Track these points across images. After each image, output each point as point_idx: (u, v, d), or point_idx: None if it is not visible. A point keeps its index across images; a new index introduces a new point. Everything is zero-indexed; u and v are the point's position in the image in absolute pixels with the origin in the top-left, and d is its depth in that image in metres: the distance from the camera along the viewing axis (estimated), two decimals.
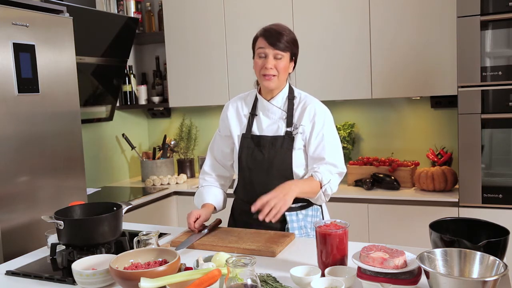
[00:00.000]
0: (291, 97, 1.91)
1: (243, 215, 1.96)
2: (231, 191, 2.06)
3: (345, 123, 3.34)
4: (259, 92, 1.94)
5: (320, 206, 1.96)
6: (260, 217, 1.59)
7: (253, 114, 1.94)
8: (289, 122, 1.87)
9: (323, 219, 1.93)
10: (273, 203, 1.58)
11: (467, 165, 2.58)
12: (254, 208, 1.60)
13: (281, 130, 1.88)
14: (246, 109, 1.97)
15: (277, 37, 1.79)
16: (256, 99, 1.95)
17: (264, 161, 1.87)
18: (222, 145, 2.02)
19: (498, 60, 2.48)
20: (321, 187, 1.78)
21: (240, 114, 1.97)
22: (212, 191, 1.99)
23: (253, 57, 1.87)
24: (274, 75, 1.81)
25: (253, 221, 1.87)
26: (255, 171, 1.89)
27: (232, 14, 3.32)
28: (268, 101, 1.91)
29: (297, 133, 1.85)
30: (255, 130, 1.92)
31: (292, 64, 1.89)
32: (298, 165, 1.86)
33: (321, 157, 1.83)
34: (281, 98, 1.90)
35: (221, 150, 2.03)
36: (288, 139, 1.85)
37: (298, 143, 1.85)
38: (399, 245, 1.54)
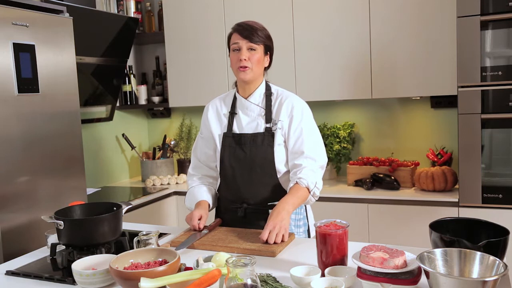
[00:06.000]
0: (268, 93, 1.94)
1: (227, 213, 1.98)
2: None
3: (345, 123, 3.34)
4: (237, 91, 1.97)
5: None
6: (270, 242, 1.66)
7: (232, 113, 1.97)
8: (268, 118, 1.90)
9: (306, 216, 1.96)
10: (275, 233, 1.65)
11: (467, 165, 2.58)
12: (262, 241, 1.66)
13: (261, 127, 1.90)
14: (225, 109, 2.00)
15: (250, 31, 1.84)
16: (235, 98, 1.97)
17: (247, 159, 1.89)
18: (204, 147, 2.04)
19: (498, 60, 2.48)
20: (309, 192, 1.82)
21: (220, 114, 2.00)
22: (203, 189, 2.00)
23: (229, 55, 1.90)
24: (248, 67, 1.84)
25: (238, 219, 1.92)
26: (238, 169, 1.91)
27: (232, 14, 3.32)
28: (246, 98, 1.93)
29: (276, 128, 1.88)
30: (236, 129, 1.94)
31: (268, 58, 1.92)
32: (280, 161, 1.89)
33: (300, 151, 1.86)
34: (258, 95, 1.93)
35: (204, 152, 2.04)
36: (268, 135, 1.88)
37: (279, 139, 1.88)
38: (399, 245, 1.54)
